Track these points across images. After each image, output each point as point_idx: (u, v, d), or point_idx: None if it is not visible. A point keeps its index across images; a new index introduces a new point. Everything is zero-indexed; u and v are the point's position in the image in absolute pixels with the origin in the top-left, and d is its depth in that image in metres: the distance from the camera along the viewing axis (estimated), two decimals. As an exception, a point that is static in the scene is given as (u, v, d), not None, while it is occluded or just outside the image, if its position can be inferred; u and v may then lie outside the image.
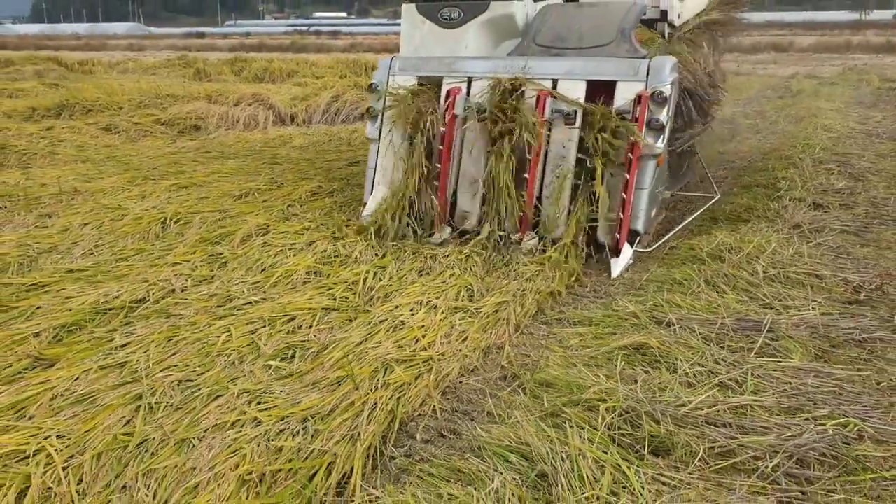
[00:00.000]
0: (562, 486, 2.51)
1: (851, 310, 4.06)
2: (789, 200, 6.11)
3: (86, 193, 6.58)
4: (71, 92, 11.23)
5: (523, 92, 5.21)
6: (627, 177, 4.96)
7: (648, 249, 5.25)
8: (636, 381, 3.24)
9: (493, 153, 5.19)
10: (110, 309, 3.99)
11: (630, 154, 4.94)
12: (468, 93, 5.46)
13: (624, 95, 5.09)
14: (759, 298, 4.18)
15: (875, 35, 36.56)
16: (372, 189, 5.80)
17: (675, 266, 4.83)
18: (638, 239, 5.15)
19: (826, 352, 3.57)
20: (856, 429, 2.86)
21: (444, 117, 5.37)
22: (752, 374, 3.27)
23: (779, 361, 3.42)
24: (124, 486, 2.42)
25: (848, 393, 3.17)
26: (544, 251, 5.02)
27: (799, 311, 4.00)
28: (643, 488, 2.49)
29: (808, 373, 3.32)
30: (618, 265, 4.94)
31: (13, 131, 8.93)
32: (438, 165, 5.40)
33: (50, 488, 2.38)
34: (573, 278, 4.79)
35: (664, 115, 5.00)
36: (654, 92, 4.99)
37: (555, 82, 5.24)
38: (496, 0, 5.95)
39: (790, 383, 3.21)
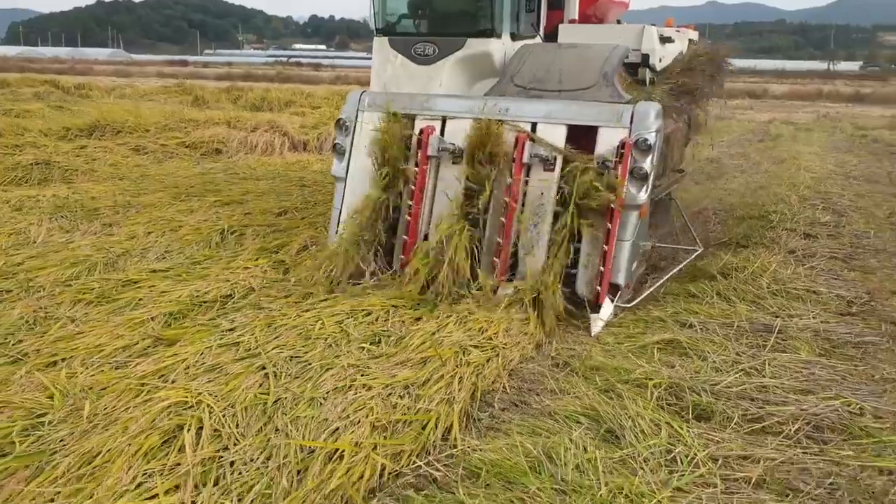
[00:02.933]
0: (628, 439, 3.10)
1: (846, 319, 4.72)
2: (782, 230, 6.80)
3: (138, 206, 7.10)
4: (102, 114, 11.73)
5: (500, 135, 4.96)
6: (609, 227, 4.69)
7: (629, 305, 4.93)
8: (673, 367, 3.85)
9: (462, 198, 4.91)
10: (205, 301, 4.55)
11: (612, 204, 4.68)
12: (442, 132, 5.17)
13: (606, 142, 4.80)
14: (766, 308, 4.82)
15: (844, 85, 38.07)
16: (337, 230, 5.36)
17: (688, 282, 5.47)
18: (619, 293, 4.83)
19: (828, 350, 4.21)
20: (857, 406, 3.49)
21: (417, 157, 5.11)
22: (769, 364, 3.90)
23: (790, 355, 4.05)
24: (277, 429, 2.96)
25: (849, 381, 3.80)
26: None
27: (801, 318, 4.65)
28: (694, 441, 3.09)
29: (815, 365, 3.96)
30: (597, 322, 4.62)
31: (51, 148, 9.44)
32: (410, 204, 5.11)
33: (217, 429, 2.91)
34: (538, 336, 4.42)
35: (648, 164, 4.71)
36: (638, 139, 4.69)
37: (534, 125, 4.96)
38: (473, 37, 5.73)
39: (801, 372, 3.85)
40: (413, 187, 5.11)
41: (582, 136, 4.92)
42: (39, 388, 3.30)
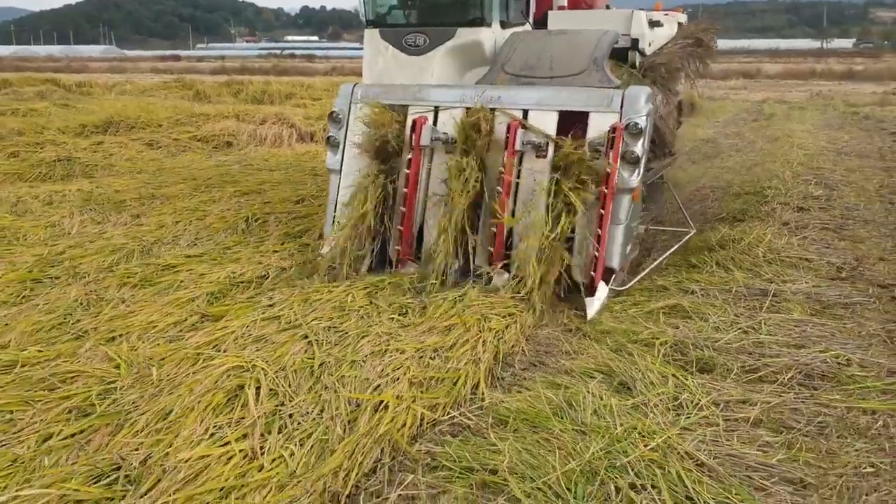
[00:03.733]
0: (639, 389, 3.47)
1: (836, 283, 5.08)
2: (777, 204, 7.16)
3: (162, 198, 7.44)
4: (116, 110, 12.05)
5: (492, 123, 5.02)
6: (602, 212, 4.72)
7: (623, 288, 4.99)
8: (678, 327, 4.21)
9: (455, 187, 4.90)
10: (242, 282, 4.91)
11: (604, 188, 4.71)
12: (435, 122, 5.20)
13: (597, 127, 4.82)
14: (762, 275, 5.18)
15: (837, 63, 38.33)
16: (333, 223, 5.41)
17: (689, 254, 5.82)
18: (613, 276, 4.87)
19: (819, 311, 4.57)
20: (845, 358, 3.85)
21: (410, 147, 5.12)
22: (765, 323, 4.26)
23: (784, 315, 4.41)
24: (325, 387, 3.32)
25: (838, 337, 4.16)
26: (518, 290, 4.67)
27: (794, 283, 5.01)
28: (698, 389, 3.45)
29: (807, 323, 4.32)
30: (593, 305, 4.64)
31: (70, 145, 9.77)
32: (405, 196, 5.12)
33: (273, 389, 3.27)
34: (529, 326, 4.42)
35: (640, 148, 4.74)
36: (629, 123, 4.73)
37: (525, 112, 4.98)
38: (463, 27, 5.74)
39: (794, 329, 4.21)
40: (408, 176, 5.12)
41: (574, 122, 4.93)
42: (105, 360, 3.65)
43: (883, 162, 10.30)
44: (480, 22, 5.79)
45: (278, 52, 75.11)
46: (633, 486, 2.67)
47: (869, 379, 3.67)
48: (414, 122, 5.15)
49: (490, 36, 5.86)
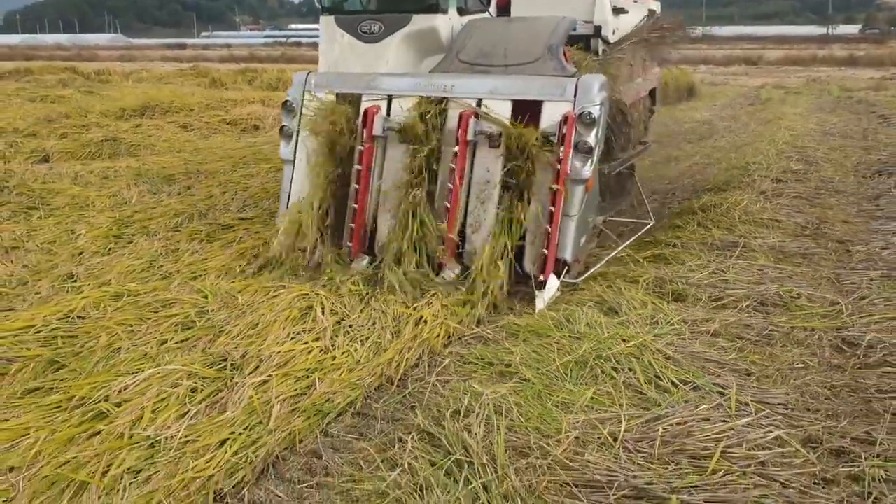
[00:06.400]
0: (624, 311, 4.33)
1: (799, 239, 5.92)
2: (757, 176, 7.98)
3: (205, 173, 8.31)
4: (151, 95, 12.93)
5: (446, 112, 4.97)
6: (552, 204, 4.67)
7: (578, 280, 4.93)
8: (659, 269, 5.08)
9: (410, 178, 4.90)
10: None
11: (555, 179, 4.66)
12: (388, 112, 5.13)
13: (550, 116, 4.77)
14: (736, 232, 6.02)
15: (840, 49, 38.71)
16: (286, 212, 5.40)
17: (674, 216, 6.67)
18: (567, 269, 4.83)
19: (780, 259, 5.42)
20: (797, 293, 4.70)
21: (363, 137, 5.07)
22: (732, 268, 5.11)
23: (750, 262, 5.26)
24: (374, 309, 4.19)
25: (794, 279, 5.01)
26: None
27: (763, 239, 5.85)
28: (671, 312, 4.32)
29: (769, 268, 5.17)
30: (542, 298, 4.60)
31: (113, 127, 10.65)
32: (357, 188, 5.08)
33: (334, 310, 4.14)
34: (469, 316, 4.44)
35: (593, 138, 4.67)
36: (581, 112, 4.66)
37: (479, 102, 4.90)
38: (419, 13, 5.58)
39: (756, 272, 5.06)
40: (359, 168, 5.09)
41: (528, 112, 4.86)
42: (193, 292, 4.52)
43: (865, 141, 11.07)
44: (436, 8, 5.64)
45: (283, 39, 75.39)
46: (614, 369, 3.54)
47: (815, 308, 4.52)
48: (366, 111, 5.08)
49: (447, 23, 5.69)
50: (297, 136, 5.45)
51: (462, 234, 4.92)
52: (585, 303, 4.50)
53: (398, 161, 5.07)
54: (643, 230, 6.21)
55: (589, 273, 5.11)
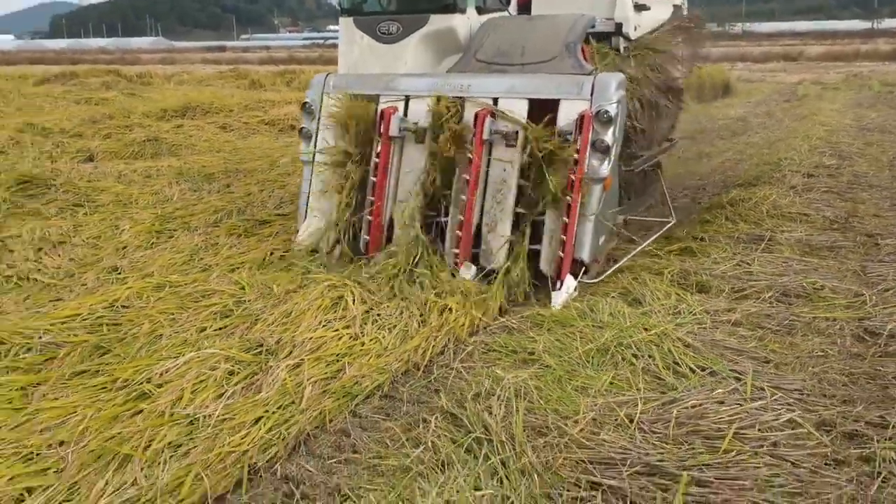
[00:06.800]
0: (648, 302, 4.43)
1: (826, 232, 5.95)
2: (788, 171, 7.98)
3: (244, 171, 8.55)
4: (191, 97, 13.28)
5: (463, 112, 4.99)
6: (571, 203, 4.63)
7: (596, 280, 4.92)
8: (685, 262, 5.15)
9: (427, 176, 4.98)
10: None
11: (573, 178, 4.63)
12: (405, 112, 5.17)
13: (567, 115, 4.74)
14: (763, 226, 6.07)
15: (885, 43, 37.83)
16: (305, 215, 5.52)
17: (703, 211, 6.73)
18: (584, 269, 4.82)
19: (807, 252, 5.46)
20: (820, 284, 4.75)
21: (380, 138, 5.12)
22: (757, 260, 5.17)
23: (775, 255, 5.31)
24: (401, 299, 4.35)
25: (819, 271, 5.05)
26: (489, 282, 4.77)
27: (791, 232, 5.88)
28: (693, 302, 4.40)
29: (794, 261, 5.22)
30: (559, 298, 4.54)
31: (154, 128, 10.98)
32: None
33: (363, 300, 4.30)
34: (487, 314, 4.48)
35: (610, 136, 4.65)
36: (598, 111, 4.64)
37: (496, 101, 4.92)
38: (437, 13, 5.59)
39: (781, 264, 5.12)
40: (377, 162, 5.16)
41: (546, 110, 4.83)
42: (231, 283, 4.71)
43: (903, 136, 10.95)
44: (454, 8, 5.67)
45: (321, 41, 76.00)
46: (634, 356, 3.65)
47: (838, 298, 4.57)
48: (382, 112, 5.14)
49: (465, 22, 5.74)
50: (316, 136, 5.53)
51: (478, 233, 4.94)
52: (609, 294, 4.61)
53: (415, 161, 5.14)
54: (665, 228, 6.21)
55: (612, 270, 5.12)
